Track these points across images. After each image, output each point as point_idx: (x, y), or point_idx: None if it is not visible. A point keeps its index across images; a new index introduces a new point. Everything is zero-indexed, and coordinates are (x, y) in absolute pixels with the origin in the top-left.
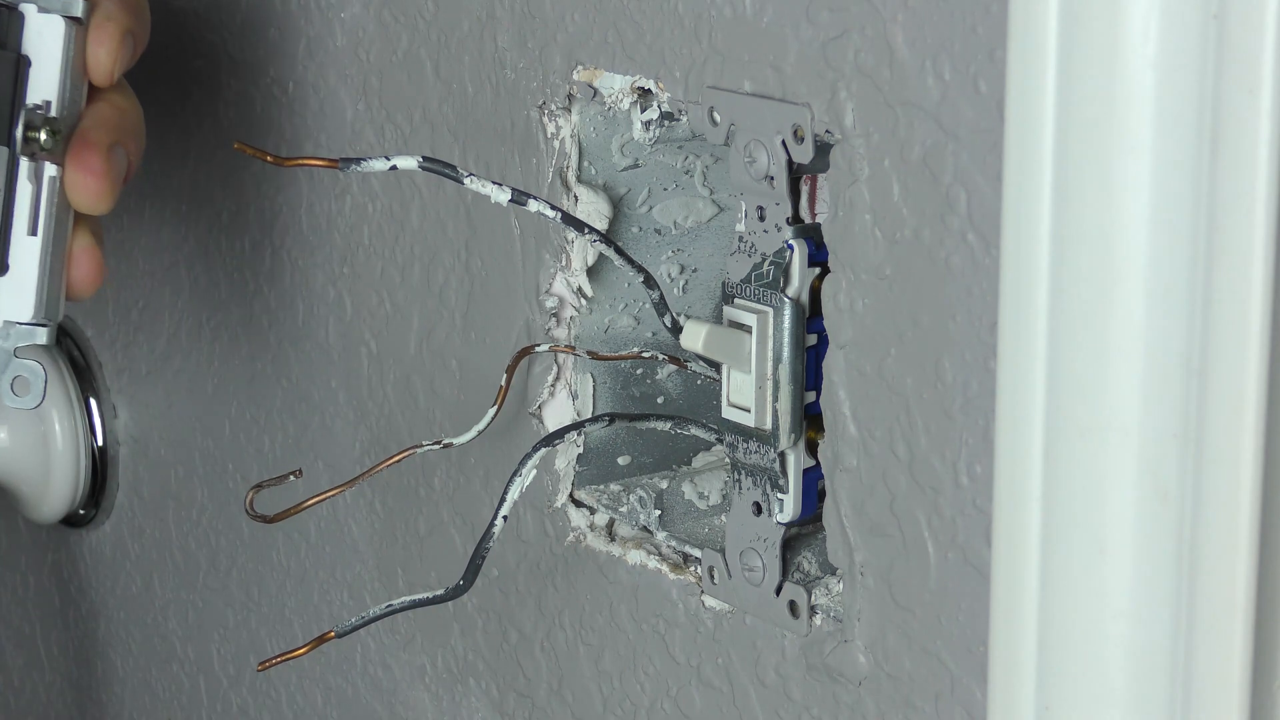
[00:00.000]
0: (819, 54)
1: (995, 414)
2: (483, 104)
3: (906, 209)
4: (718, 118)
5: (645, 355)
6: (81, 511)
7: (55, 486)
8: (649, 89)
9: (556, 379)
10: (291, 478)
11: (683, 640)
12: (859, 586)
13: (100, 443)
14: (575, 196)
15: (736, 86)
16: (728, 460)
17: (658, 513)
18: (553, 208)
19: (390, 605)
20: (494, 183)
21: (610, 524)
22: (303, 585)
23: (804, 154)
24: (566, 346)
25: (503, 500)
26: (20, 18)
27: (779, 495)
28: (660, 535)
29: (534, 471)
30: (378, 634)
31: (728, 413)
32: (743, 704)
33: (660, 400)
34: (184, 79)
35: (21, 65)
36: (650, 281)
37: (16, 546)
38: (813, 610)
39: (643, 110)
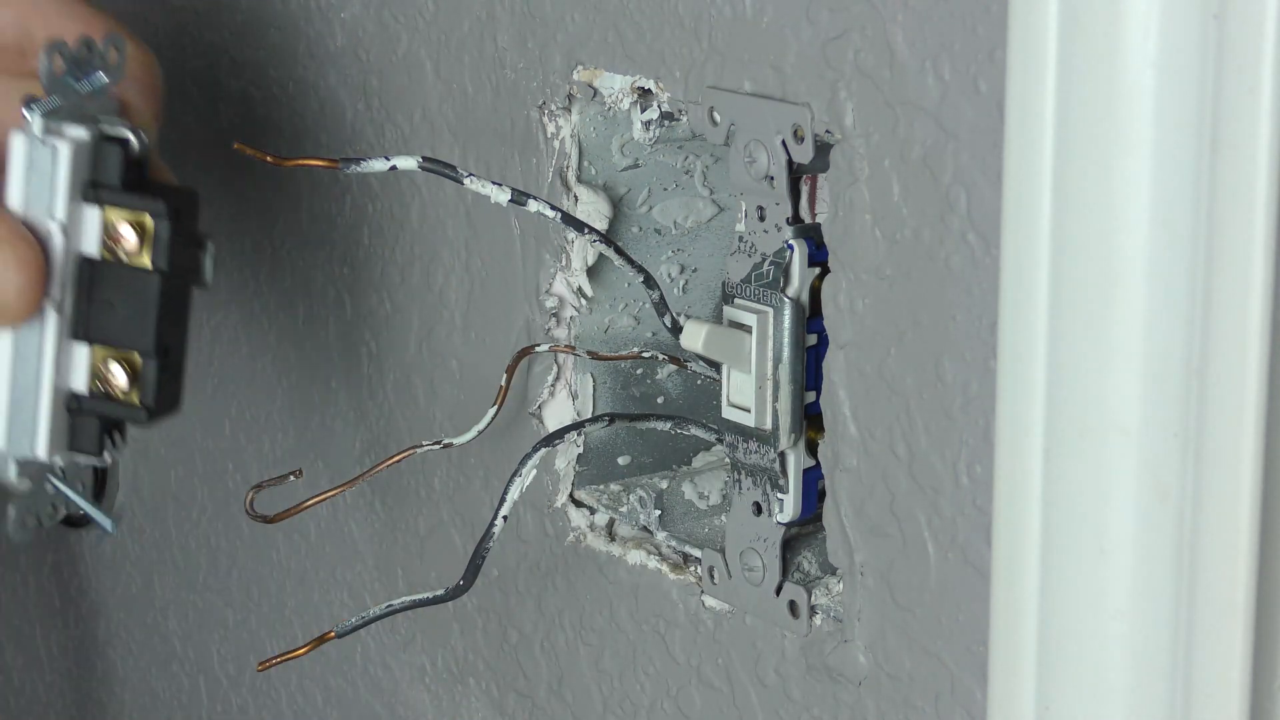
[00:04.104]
0: (819, 54)
1: (995, 414)
2: (483, 104)
3: (906, 209)
4: (718, 118)
5: (645, 355)
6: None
7: None
8: (649, 89)
9: (556, 379)
10: (291, 478)
11: (683, 640)
12: (859, 586)
13: None
14: (575, 196)
15: (736, 86)
16: (728, 460)
17: (658, 513)
18: (553, 208)
19: (390, 605)
20: (494, 183)
21: (610, 524)
22: (303, 585)
23: (804, 154)
24: (566, 346)
25: (503, 500)
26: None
27: (779, 495)
28: (660, 535)
29: (534, 471)
30: (378, 634)
31: (728, 413)
32: (743, 704)
33: (660, 400)
34: (184, 79)
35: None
36: (650, 281)
37: (17, 546)
38: (813, 610)
39: (643, 110)
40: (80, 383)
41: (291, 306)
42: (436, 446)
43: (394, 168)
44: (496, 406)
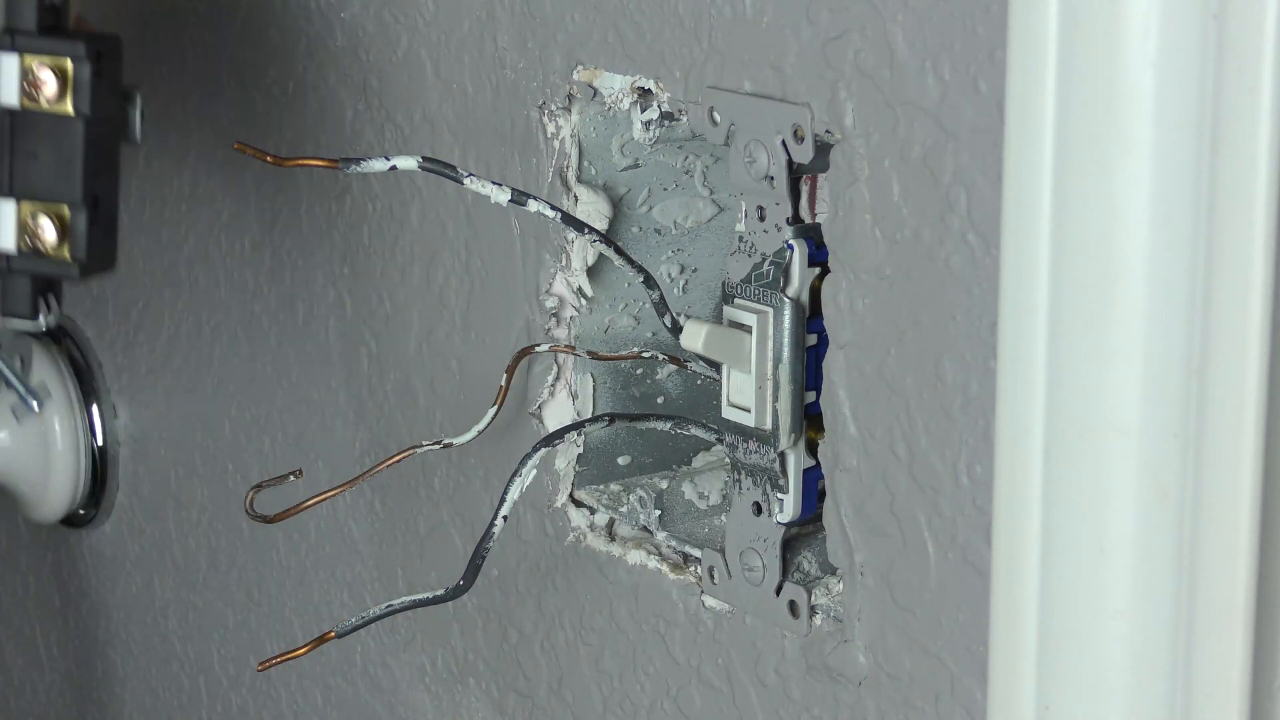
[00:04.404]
0: (819, 54)
1: (995, 414)
2: (483, 104)
3: (906, 209)
4: (718, 118)
5: (645, 355)
6: (81, 511)
7: (55, 486)
8: (649, 89)
9: (556, 379)
10: (291, 478)
11: (683, 640)
12: (859, 586)
13: (100, 443)
14: (575, 196)
15: (736, 86)
16: (728, 460)
17: (658, 513)
18: (553, 208)
19: (390, 605)
20: (494, 183)
21: (610, 524)
22: (303, 585)
23: (804, 154)
24: (566, 346)
25: (503, 500)
26: None
27: (779, 495)
28: (660, 535)
29: (534, 471)
30: (378, 634)
31: (728, 413)
32: (743, 704)
33: (660, 400)
34: (184, 79)
35: None
36: (650, 281)
37: (16, 546)
38: (813, 610)
39: (643, 110)
40: (8, 241)
41: (291, 306)
42: (436, 446)
43: (394, 168)
44: (496, 406)
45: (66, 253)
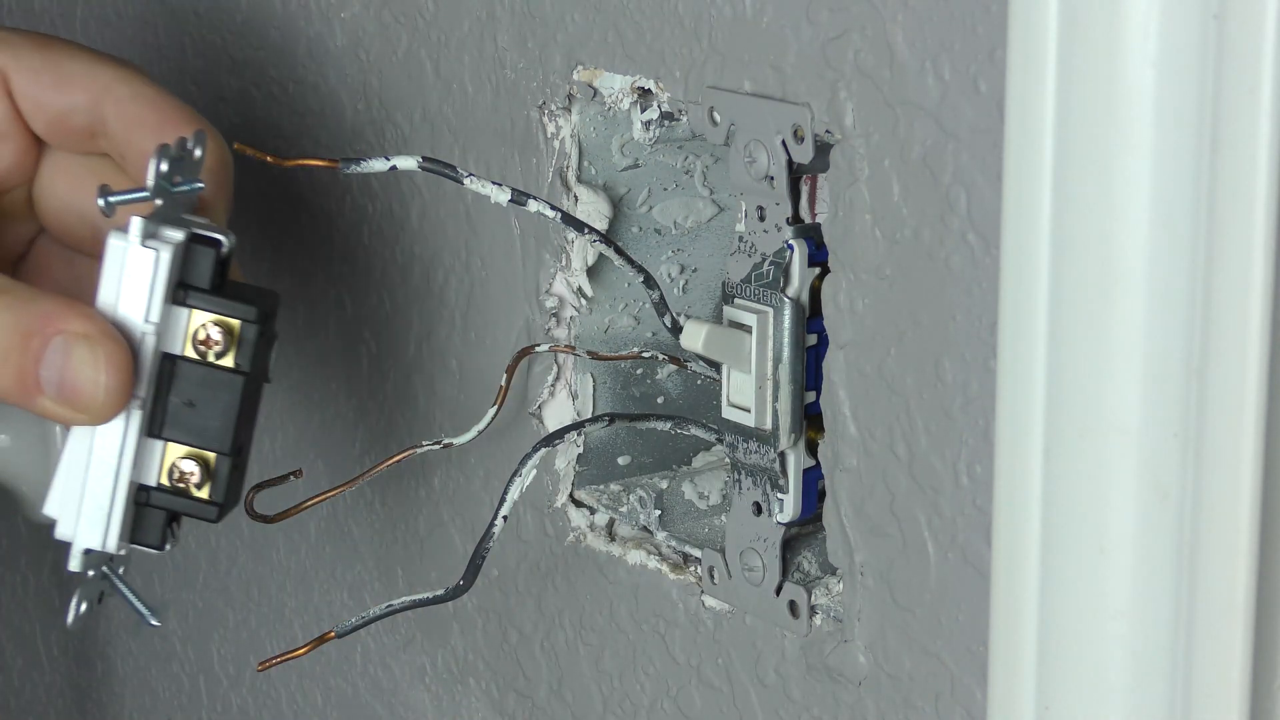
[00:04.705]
0: (819, 54)
1: (995, 414)
2: (483, 104)
3: (906, 209)
4: (718, 118)
5: (645, 355)
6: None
7: None
8: (649, 89)
9: (556, 379)
10: (291, 478)
11: (683, 640)
12: (859, 586)
13: None
14: (575, 196)
15: (736, 86)
16: (728, 460)
17: (658, 513)
18: (553, 208)
19: (390, 605)
20: (494, 183)
21: (610, 524)
22: (303, 585)
23: (804, 154)
24: (566, 346)
25: (503, 500)
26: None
27: (779, 495)
28: (660, 535)
29: (534, 471)
30: (378, 634)
31: (728, 413)
32: (743, 704)
33: (660, 400)
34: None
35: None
36: (650, 281)
37: (16, 546)
38: (813, 610)
39: (643, 110)
40: (151, 477)
41: (291, 306)
42: (436, 446)
43: (394, 168)
44: (496, 406)
45: (206, 494)
